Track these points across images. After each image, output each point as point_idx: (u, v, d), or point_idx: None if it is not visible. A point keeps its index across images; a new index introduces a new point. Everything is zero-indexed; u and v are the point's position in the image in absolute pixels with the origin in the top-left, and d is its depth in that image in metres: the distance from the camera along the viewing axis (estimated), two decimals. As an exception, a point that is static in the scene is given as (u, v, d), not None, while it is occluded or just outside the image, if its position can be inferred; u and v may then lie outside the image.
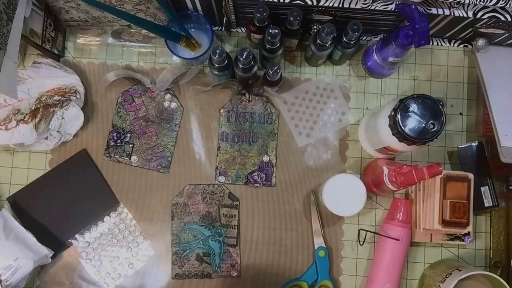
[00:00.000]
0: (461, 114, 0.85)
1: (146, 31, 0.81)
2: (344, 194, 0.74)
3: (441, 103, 0.67)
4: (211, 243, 0.81)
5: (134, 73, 0.83)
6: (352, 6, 0.71)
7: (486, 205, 0.79)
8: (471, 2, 0.67)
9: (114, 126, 0.84)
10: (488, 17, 0.71)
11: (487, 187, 0.79)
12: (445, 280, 0.72)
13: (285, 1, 0.71)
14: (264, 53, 0.78)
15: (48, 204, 0.81)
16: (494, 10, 0.71)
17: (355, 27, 0.73)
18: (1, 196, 0.83)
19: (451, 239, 0.78)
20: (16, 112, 0.79)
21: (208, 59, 0.79)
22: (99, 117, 0.84)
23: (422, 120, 0.66)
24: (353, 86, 0.85)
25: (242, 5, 0.76)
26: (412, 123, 0.66)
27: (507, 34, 0.78)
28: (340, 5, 0.71)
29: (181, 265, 0.80)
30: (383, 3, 0.71)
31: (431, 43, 0.86)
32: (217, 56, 0.73)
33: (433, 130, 0.66)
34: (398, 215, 0.78)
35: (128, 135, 0.83)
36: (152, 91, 0.84)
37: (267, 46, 0.76)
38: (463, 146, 0.81)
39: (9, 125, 0.78)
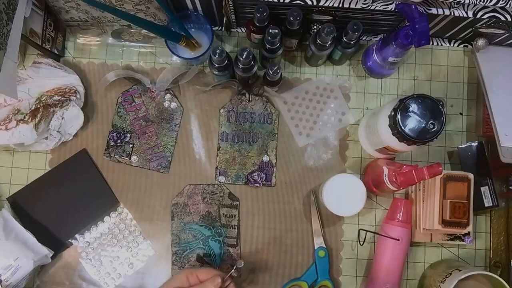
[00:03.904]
0: (461, 114, 0.85)
1: (146, 31, 0.81)
2: (344, 194, 0.74)
3: (441, 103, 0.67)
4: (211, 243, 0.81)
5: (134, 73, 0.83)
6: (352, 6, 0.71)
7: (486, 205, 0.79)
8: (471, 2, 0.67)
9: (114, 126, 0.84)
10: (488, 17, 0.71)
11: (487, 187, 0.79)
12: (445, 280, 0.72)
13: (285, 1, 0.71)
14: (264, 53, 0.78)
15: (48, 204, 0.81)
16: (494, 10, 0.71)
17: (355, 27, 0.73)
18: (1, 196, 0.83)
19: (451, 239, 0.78)
20: (16, 112, 0.79)
21: (208, 59, 0.79)
22: (99, 117, 0.84)
23: (422, 120, 0.66)
24: (353, 86, 0.85)
25: (242, 5, 0.76)
26: (412, 123, 0.66)
27: (507, 34, 0.78)
28: (340, 5, 0.71)
29: (181, 265, 0.80)
30: (383, 3, 0.71)
31: (431, 43, 0.86)
32: (217, 56, 0.73)
33: (433, 130, 0.66)
34: (398, 215, 0.78)
35: (128, 135, 0.83)
36: (152, 91, 0.84)
37: (267, 46, 0.76)
38: (463, 146, 0.81)
39: (9, 125, 0.78)
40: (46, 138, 0.80)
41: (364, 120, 0.83)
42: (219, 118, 0.84)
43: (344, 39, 0.76)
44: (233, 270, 0.67)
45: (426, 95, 0.68)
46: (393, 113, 0.68)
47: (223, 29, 0.85)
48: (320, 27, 0.75)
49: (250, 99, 0.84)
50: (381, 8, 0.71)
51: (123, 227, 0.82)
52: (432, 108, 0.67)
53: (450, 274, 0.72)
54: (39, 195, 0.82)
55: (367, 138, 0.80)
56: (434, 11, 0.71)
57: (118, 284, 0.81)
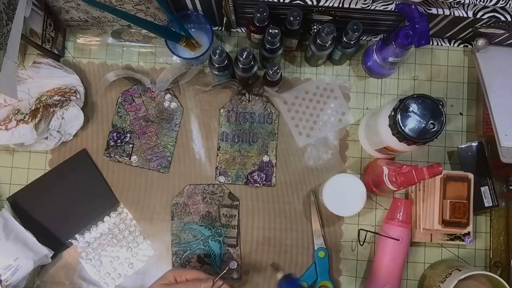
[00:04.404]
0: (461, 114, 0.85)
1: (146, 31, 0.81)
2: (344, 194, 0.74)
3: (441, 103, 0.67)
4: (211, 243, 0.81)
5: (134, 73, 0.83)
6: (352, 6, 0.71)
7: (486, 205, 0.79)
8: (471, 2, 0.67)
9: (114, 126, 0.84)
10: (488, 17, 0.71)
11: (487, 187, 0.79)
12: (445, 280, 0.72)
13: (285, 1, 0.71)
14: (264, 53, 0.78)
15: (48, 204, 0.81)
16: (494, 10, 0.71)
17: (355, 27, 0.73)
18: (1, 196, 0.83)
19: (451, 239, 0.78)
20: (16, 112, 0.79)
21: (208, 59, 0.79)
22: (99, 117, 0.84)
23: (422, 120, 0.66)
24: (353, 86, 0.85)
25: (242, 5, 0.76)
26: (412, 123, 0.66)
27: (507, 34, 0.78)
28: (340, 5, 0.71)
29: (182, 265, 0.80)
30: (383, 3, 0.71)
31: (431, 43, 0.86)
32: (217, 56, 0.73)
33: (433, 130, 0.66)
34: (398, 215, 0.78)
35: (128, 135, 0.83)
36: (152, 91, 0.84)
37: (267, 46, 0.76)
38: (463, 146, 0.81)
39: (9, 125, 0.78)
40: (46, 138, 0.80)
41: (364, 120, 0.83)
42: (219, 118, 0.84)
43: (344, 39, 0.76)
44: (225, 271, 0.68)
45: (426, 95, 0.68)
46: (393, 113, 0.68)
47: (223, 29, 0.85)
48: (320, 27, 0.75)
49: (250, 99, 0.84)
50: (381, 8, 0.71)
51: (123, 227, 0.82)
52: (432, 108, 0.67)
53: (450, 274, 0.72)
54: (39, 195, 0.82)
55: (367, 138, 0.80)
56: (434, 11, 0.71)
57: (118, 284, 0.81)
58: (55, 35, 0.83)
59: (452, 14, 0.72)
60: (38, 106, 0.79)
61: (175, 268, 0.74)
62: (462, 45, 0.86)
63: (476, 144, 0.81)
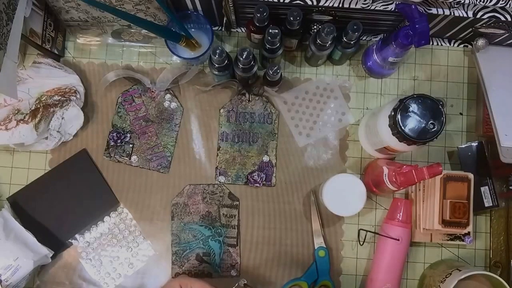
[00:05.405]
0: (461, 114, 0.85)
1: (146, 31, 0.81)
2: (344, 194, 0.74)
3: (441, 103, 0.67)
4: (211, 243, 0.81)
5: (134, 73, 0.83)
6: (352, 6, 0.71)
7: (486, 205, 0.79)
8: (471, 2, 0.67)
9: (114, 126, 0.84)
10: (488, 17, 0.71)
11: (487, 187, 0.79)
12: (445, 280, 0.72)
13: (285, 1, 0.71)
14: (264, 53, 0.78)
15: (48, 204, 0.81)
16: (494, 10, 0.71)
17: (355, 27, 0.73)
18: (1, 196, 0.83)
19: (451, 239, 0.78)
20: (16, 112, 0.79)
21: (208, 59, 0.79)
22: (99, 117, 0.84)
23: (422, 120, 0.66)
24: (353, 86, 0.85)
25: (242, 5, 0.76)
26: (412, 123, 0.66)
27: (507, 34, 0.78)
28: (340, 5, 0.71)
29: (181, 264, 0.80)
30: (383, 3, 0.71)
31: (431, 43, 0.86)
32: (217, 56, 0.73)
33: (433, 130, 0.66)
34: (398, 215, 0.78)
35: (128, 135, 0.83)
36: (152, 91, 0.84)
37: (267, 46, 0.76)
38: (463, 146, 0.81)
39: (9, 125, 0.78)
40: (46, 138, 0.80)
41: (364, 120, 0.83)
42: (219, 118, 0.84)
43: (344, 39, 0.76)
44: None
45: (426, 95, 0.68)
46: (393, 113, 0.68)
47: (223, 29, 0.85)
48: (320, 27, 0.75)
49: (250, 99, 0.84)
50: (381, 8, 0.71)
51: (123, 227, 0.82)
52: (432, 108, 0.67)
53: (450, 274, 0.73)
54: (39, 195, 0.82)
55: (367, 138, 0.80)
56: (434, 11, 0.71)
57: (118, 284, 0.81)
58: (55, 35, 0.83)
59: (452, 14, 0.72)
60: (38, 106, 0.79)
61: (181, 277, 0.73)
62: (462, 45, 0.86)
63: (476, 144, 0.81)
